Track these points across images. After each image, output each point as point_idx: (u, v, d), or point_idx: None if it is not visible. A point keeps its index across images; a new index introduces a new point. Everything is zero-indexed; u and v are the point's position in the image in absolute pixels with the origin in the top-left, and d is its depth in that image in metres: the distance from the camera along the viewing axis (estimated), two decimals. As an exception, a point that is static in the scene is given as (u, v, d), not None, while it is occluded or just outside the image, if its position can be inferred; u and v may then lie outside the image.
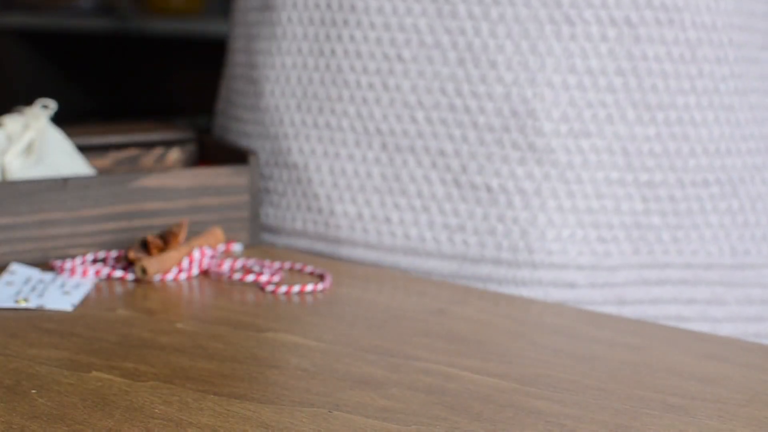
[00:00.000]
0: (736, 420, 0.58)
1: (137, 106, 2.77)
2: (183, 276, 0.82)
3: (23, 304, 0.74)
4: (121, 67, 2.86)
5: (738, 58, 0.87)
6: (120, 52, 2.81)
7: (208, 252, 0.83)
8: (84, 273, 0.81)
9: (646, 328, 0.74)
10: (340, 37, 0.88)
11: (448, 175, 0.86)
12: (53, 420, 0.56)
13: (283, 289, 0.79)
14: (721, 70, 0.86)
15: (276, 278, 0.81)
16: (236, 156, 0.93)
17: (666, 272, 0.86)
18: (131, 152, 0.99)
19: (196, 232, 0.88)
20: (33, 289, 0.77)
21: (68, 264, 0.81)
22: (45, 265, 0.83)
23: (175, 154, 1.01)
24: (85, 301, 0.76)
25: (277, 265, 0.84)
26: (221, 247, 0.86)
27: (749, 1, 0.88)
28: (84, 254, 0.85)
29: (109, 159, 0.98)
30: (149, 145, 1.00)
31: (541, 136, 0.84)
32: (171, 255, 0.81)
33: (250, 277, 0.81)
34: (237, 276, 0.81)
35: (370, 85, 0.87)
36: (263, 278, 0.81)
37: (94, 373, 0.62)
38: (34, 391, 0.60)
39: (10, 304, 0.74)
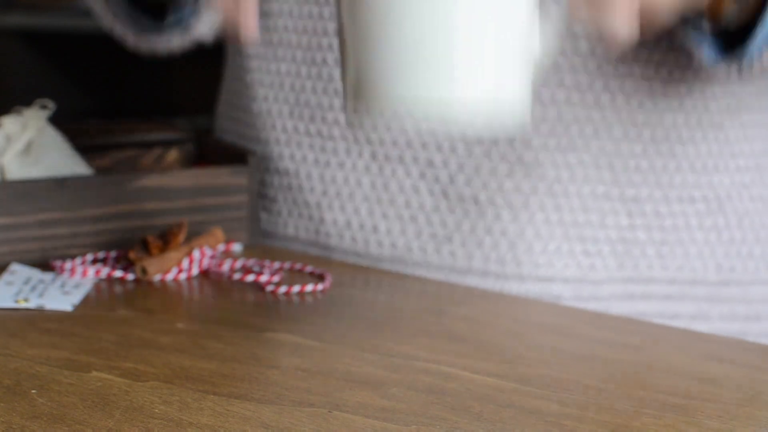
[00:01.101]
0: (736, 420, 0.58)
1: (137, 106, 2.77)
2: (183, 276, 0.82)
3: (23, 304, 0.74)
4: (121, 67, 2.86)
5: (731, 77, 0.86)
6: (120, 52, 2.81)
7: (208, 252, 0.83)
8: (84, 273, 0.81)
9: (646, 328, 0.74)
10: (330, 47, 0.88)
11: (436, 186, 0.85)
12: (53, 420, 0.56)
13: (283, 289, 0.79)
14: (712, 89, 0.86)
15: (276, 278, 0.81)
16: (235, 156, 0.93)
17: (650, 287, 0.86)
18: (130, 152, 0.99)
19: (196, 232, 0.88)
20: (33, 289, 0.77)
21: (68, 264, 0.81)
22: (45, 265, 0.83)
23: (174, 155, 1.01)
24: (85, 301, 0.76)
25: (277, 265, 0.84)
26: (221, 247, 0.86)
27: None
28: (84, 254, 0.85)
29: (108, 159, 0.98)
30: (148, 145, 1.00)
31: (530, 149, 0.83)
32: (171, 255, 0.81)
33: (250, 277, 0.81)
34: (237, 276, 0.81)
35: None
36: (263, 278, 0.81)
37: (94, 373, 0.62)
38: (34, 391, 0.60)
39: (10, 304, 0.74)
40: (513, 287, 0.84)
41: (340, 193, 0.88)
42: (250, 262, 0.85)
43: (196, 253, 0.82)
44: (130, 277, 0.81)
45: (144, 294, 0.78)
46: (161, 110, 2.57)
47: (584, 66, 0.83)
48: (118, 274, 0.81)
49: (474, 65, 0.59)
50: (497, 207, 0.84)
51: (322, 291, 0.79)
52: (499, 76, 0.60)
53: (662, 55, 0.84)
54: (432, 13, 0.58)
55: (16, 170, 0.87)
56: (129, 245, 0.86)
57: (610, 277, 0.85)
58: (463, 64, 0.59)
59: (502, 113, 0.60)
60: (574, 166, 0.84)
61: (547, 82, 0.83)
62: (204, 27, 0.90)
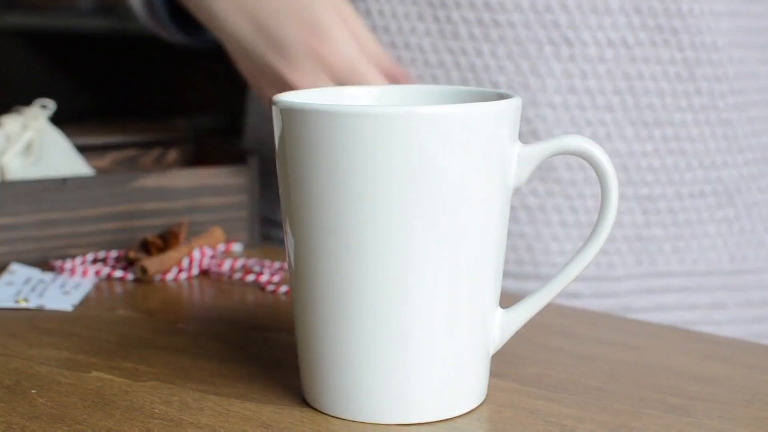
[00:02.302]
0: (737, 420, 0.58)
1: (137, 106, 2.77)
2: (183, 276, 0.82)
3: (23, 304, 0.74)
4: (121, 67, 2.86)
5: (738, 75, 0.88)
6: (120, 52, 2.81)
7: (208, 252, 0.83)
8: (84, 273, 0.81)
9: (646, 328, 0.74)
10: None
11: None
12: (53, 420, 0.56)
13: (283, 289, 0.79)
14: (720, 87, 0.88)
15: (276, 278, 0.81)
16: (235, 156, 0.93)
17: (669, 280, 0.88)
18: (130, 152, 0.99)
19: (195, 232, 0.88)
20: (33, 289, 0.77)
21: (68, 264, 0.81)
22: (45, 265, 0.83)
23: (173, 154, 1.01)
24: (85, 301, 0.76)
25: (277, 265, 0.84)
26: (221, 247, 0.86)
27: (745, 19, 0.89)
28: (84, 254, 0.85)
29: (108, 159, 0.98)
30: (148, 145, 1.00)
31: None
32: (171, 255, 0.81)
33: (250, 277, 0.81)
34: (237, 276, 0.81)
35: None
36: (263, 278, 0.81)
37: (94, 373, 0.62)
38: (34, 391, 0.60)
39: (10, 304, 0.74)
40: (531, 287, 0.85)
41: None
42: (250, 262, 0.85)
43: (196, 253, 0.83)
44: (130, 277, 0.81)
45: (144, 294, 0.78)
46: (161, 110, 2.57)
47: (594, 71, 0.84)
48: (118, 274, 0.81)
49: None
50: (514, 210, 0.86)
51: (322, 291, 0.79)
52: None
53: (670, 56, 0.85)
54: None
55: (16, 170, 0.87)
56: (129, 245, 0.86)
57: (629, 274, 0.87)
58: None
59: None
60: (588, 168, 0.85)
61: (559, 89, 0.84)
62: None
